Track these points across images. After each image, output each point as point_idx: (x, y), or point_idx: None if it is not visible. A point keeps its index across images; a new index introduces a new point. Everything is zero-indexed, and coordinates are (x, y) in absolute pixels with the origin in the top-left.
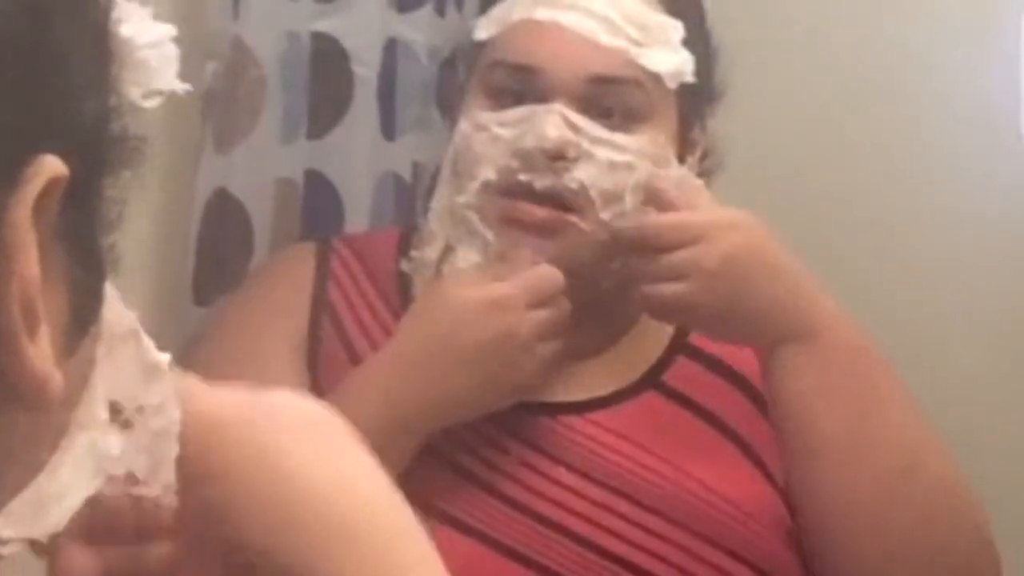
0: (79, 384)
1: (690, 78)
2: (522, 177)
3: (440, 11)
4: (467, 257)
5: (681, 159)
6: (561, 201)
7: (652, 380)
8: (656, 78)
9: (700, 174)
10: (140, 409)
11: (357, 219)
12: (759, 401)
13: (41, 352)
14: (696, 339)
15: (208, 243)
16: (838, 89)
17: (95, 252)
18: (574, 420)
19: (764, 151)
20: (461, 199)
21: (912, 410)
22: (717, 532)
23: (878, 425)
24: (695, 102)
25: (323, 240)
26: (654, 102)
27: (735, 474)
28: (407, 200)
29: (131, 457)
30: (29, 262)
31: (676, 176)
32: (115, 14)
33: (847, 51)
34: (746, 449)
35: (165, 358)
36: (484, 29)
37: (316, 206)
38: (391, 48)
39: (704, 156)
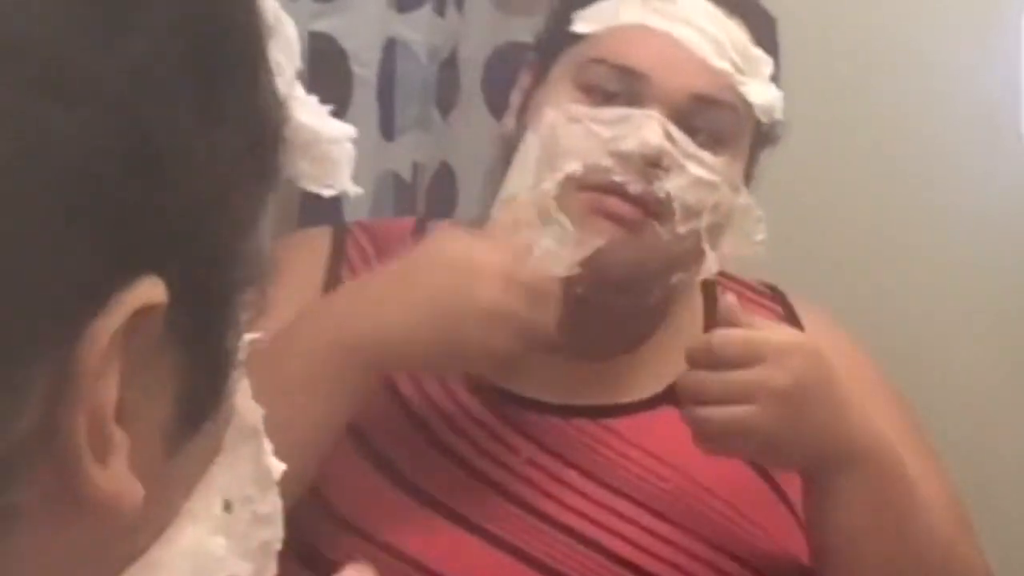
0: (194, 474)
1: (780, 115)
2: (616, 178)
3: (440, 11)
4: (543, 244)
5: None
6: (645, 206)
7: (672, 398)
8: (748, 107)
9: None
10: (254, 515)
11: (357, 219)
12: None
13: (111, 477)
14: None
15: None
16: (838, 89)
17: (218, 354)
18: (586, 424)
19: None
20: (543, 186)
21: (940, 506)
22: (727, 541)
23: (917, 542)
24: (765, 136)
25: (340, 224)
26: (741, 131)
27: (748, 490)
28: (407, 200)
29: (234, 564)
30: (103, 390)
31: (743, 204)
32: (284, 118)
33: (847, 51)
34: (762, 471)
35: (280, 467)
36: (586, 23)
37: (316, 206)
38: (390, 48)
39: None
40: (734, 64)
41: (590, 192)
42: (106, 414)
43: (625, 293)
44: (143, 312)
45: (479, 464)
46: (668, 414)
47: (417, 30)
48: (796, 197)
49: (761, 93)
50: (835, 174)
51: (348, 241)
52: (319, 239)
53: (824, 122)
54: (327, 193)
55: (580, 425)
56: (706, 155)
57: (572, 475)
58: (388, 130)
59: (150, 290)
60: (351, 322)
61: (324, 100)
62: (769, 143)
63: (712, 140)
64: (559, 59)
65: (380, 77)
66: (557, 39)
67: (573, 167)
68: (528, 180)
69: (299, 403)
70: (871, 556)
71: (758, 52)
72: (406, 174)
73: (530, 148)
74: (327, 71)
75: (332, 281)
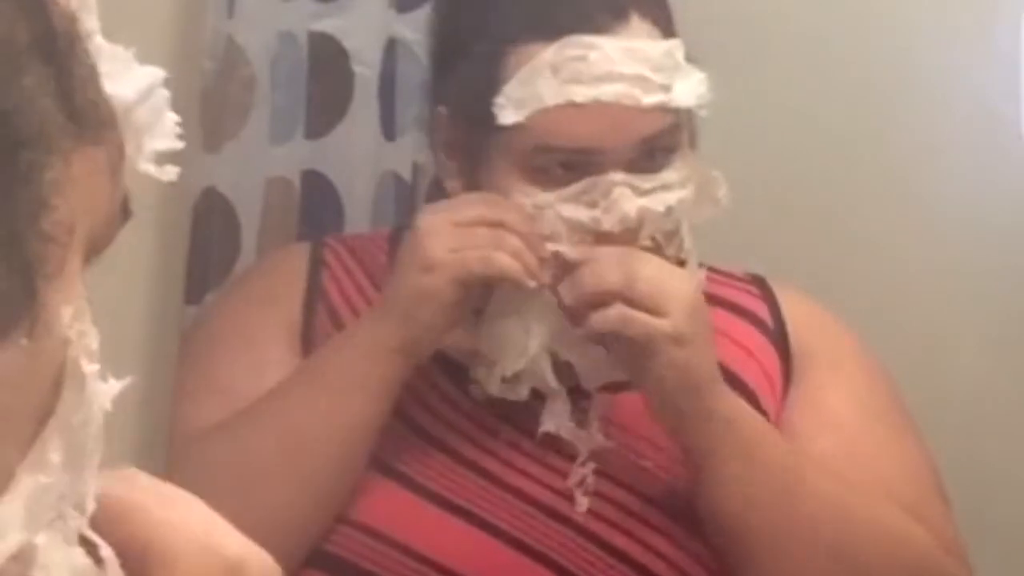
0: (36, 421)
1: (707, 95)
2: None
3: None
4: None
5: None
6: None
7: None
8: (687, 111)
9: None
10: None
11: (357, 219)
12: (763, 413)
13: None
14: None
15: (198, 242)
16: (838, 89)
17: (23, 252)
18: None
19: (762, 152)
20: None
21: (897, 479)
22: (691, 513)
23: (804, 518)
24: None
25: (317, 239)
26: (685, 131)
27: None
28: (407, 200)
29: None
30: None
31: (699, 176)
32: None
33: (847, 51)
34: None
35: (93, 368)
36: (509, 113)
37: (316, 206)
38: (391, 48)
39: None
40: (661, 87)
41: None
42: None
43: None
44: None
45: (462, 449)
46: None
47: (417, 30)
48: (795, 197)
49: (688, 92)
50: (834, 174)
51: (326, 252)
52: (296, 253)
53: (823, 122)
54: (157, 172)
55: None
56: (665, 176)
57: (554, 457)
58: (389, 130)
59: None
60: (385, 333)
61: (325, 100)
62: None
63: (668, 154)
64: (491, 142)
65: (381, 77)
66: (484, 130)
67: (561, 249)
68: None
69: (353, 403)
70: (759, 537)
71: (666, 45)
72: (406, 174)
73: None
74: (328, 71)
75: (313, 289)
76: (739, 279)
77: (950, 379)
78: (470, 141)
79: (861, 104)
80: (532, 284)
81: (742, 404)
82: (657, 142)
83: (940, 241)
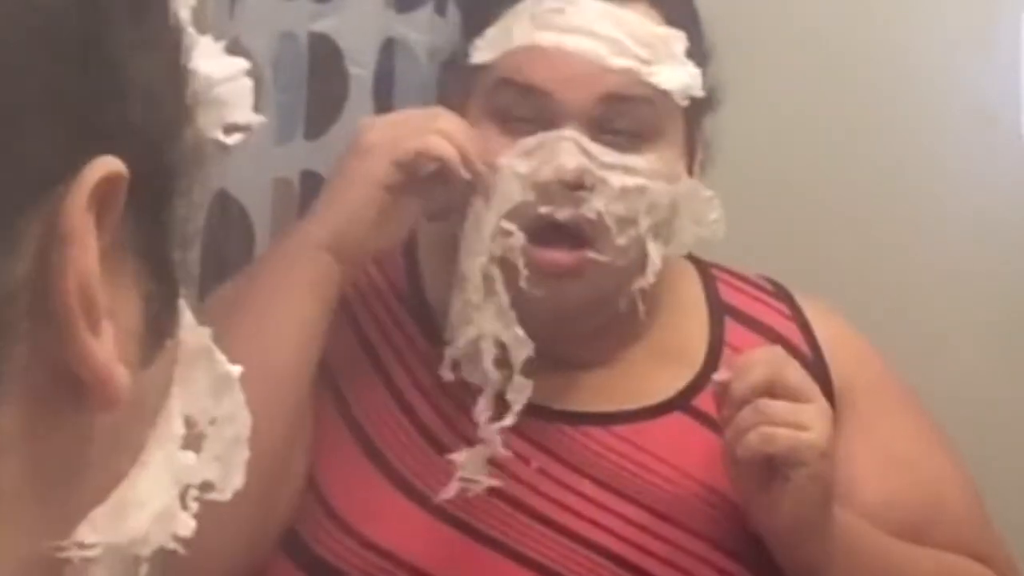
0: (157, 402)
1: (699, 92)
2: (542, 210)
3: (440, 11)
4: (487, 330)
5: (690, 170)
6: (577, 233)
7: (682, 403)
8: (666, 95)
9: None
10: (213, 421)
11: None
12: None
13: (104, 347)
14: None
15: (209, 244)
16: (838, 89)
17: (168, 266)
18: (597, 431)
19: (763, 152)
20: (479, 260)
21: (963, 518)
22: (734, 545)
23: None
24: (699, 112)
25: None
26: (664, 119)
27: None
28: None
29: (206, 467)
30: (86, 254)
31: (687, 190)
32: (190, 46)
33: (847, 51)
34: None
35: (236, 370)
36: (482, 52)
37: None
38: (389, 48)
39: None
40: (637, 57)
41: (527, 244)
42: (92, 280)
43: (583, 321)
44: (110, 181)
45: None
46: (678, 420)
47: (417, 30)
48: (795, 198)
49: (672, 77)
50: (834, 174)
51: None
52: None
53: (823, 122)
54: (224, 138)
55: (589, 432)
56: (631, 159)
57: (585, 484)
58: None
59: (110, 163)
60: (314, 227)
61: (321, 100)
62: (709, 110)
63: (636, 139)
64: (473, 93)
65: (377, 77)
66: (465, 76)
67: (505, 211)
68: (474, 247)
69: (283, 304)
70: None
71: (665, 31)
72: None
73: (473, 209)
74: (324, 71)
75: None
76: (763, 290)
77: (950, 379)
78: (458, 91)
79: (861, 104)
80: (466, 174)
81: (841, 509)
82: (619, 111)
83: (940, 241)
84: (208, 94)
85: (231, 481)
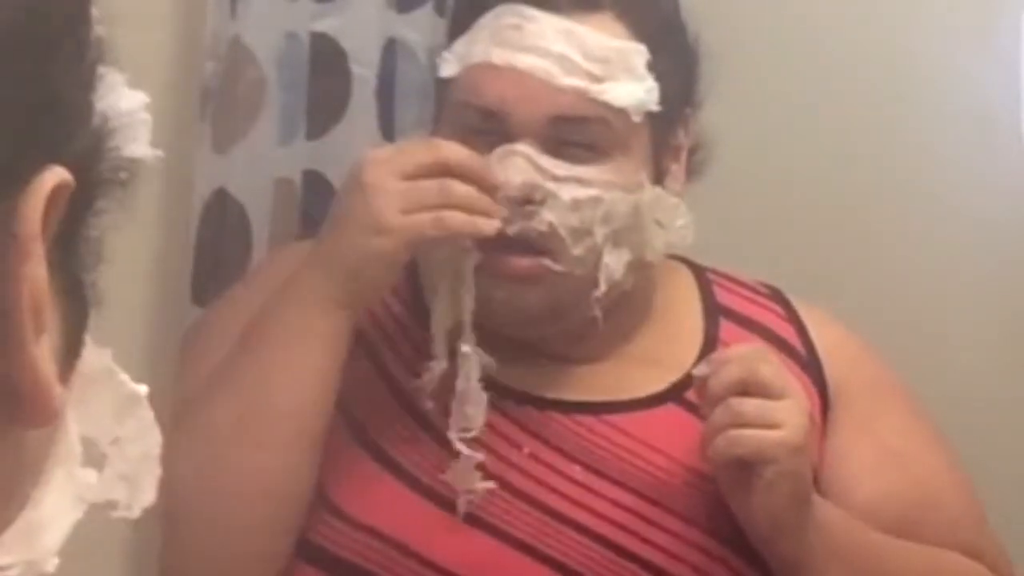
0: (63, 418)
1: (655, 107)
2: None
3: (440, 11)
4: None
5: (659, 178)
6: (531, 244)
7: (675, 395)
8: (620, 111)
9: (690, 171)
10: (115, 440)
11: None
12: None
13: (46, 356)
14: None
15: (207, 243)
16: (838, 89)
17: (81, 285)
18: (589, 420)
19: (763, 152)
20: (442, 261)
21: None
22: (729, 531)
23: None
24: (668, 120)
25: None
26: (621, 133)
27: None
28: None
29: (109, 486)
30: (39, 264)
31: (651, 199)
32: (104, 71)
33: (847, 51)
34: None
35: (143, 389)
36: (448, 66)
37: (315, 207)
38: (390, 48)
39: (693, 152)
40: (589, 75)
41: (480, 252)
42: (43, 289)
43: (548, 325)
44: (58, 191)
45: (483, 462)
46: (671, 411)
47: (417, 30)
48: (794, 198)
49: (624, 94)
50: (834, 174)
51: None
52: (297, 251)
53: (823, 122)
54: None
55: (582, 420)
56: (585, 170)
57: (575, 469)
58: (388, 130)
59: (60, 172)
60: (330, 286)
61: (324, 100)
62: (690, 108)
63: (591, 152)
64: (443, 105)
65: (380, 77)
66: (439, 86)
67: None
68: (436, 266)
69: (300, 358)
70: None
71: (622, 45)
72: None
73: None
74: (326, 71)
75: None
76: (759, 293)
77: (950, 379)
78: (439, 99)
79: (861, 104)
80: (490, 230)
81: (827, 504)
82: (572, 129)
83: (940, 241)
84: (114, 123)
85: (139, 499)
